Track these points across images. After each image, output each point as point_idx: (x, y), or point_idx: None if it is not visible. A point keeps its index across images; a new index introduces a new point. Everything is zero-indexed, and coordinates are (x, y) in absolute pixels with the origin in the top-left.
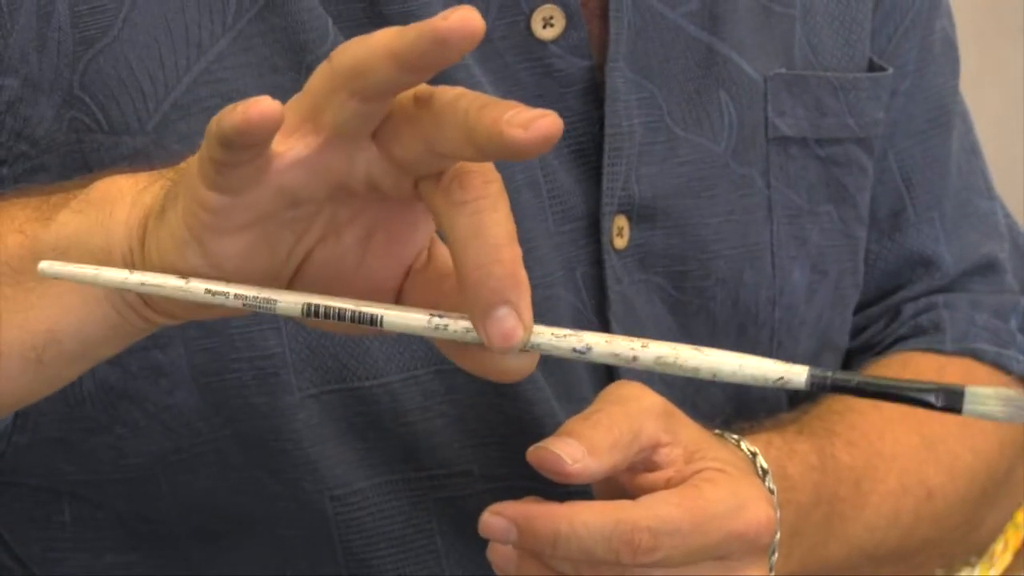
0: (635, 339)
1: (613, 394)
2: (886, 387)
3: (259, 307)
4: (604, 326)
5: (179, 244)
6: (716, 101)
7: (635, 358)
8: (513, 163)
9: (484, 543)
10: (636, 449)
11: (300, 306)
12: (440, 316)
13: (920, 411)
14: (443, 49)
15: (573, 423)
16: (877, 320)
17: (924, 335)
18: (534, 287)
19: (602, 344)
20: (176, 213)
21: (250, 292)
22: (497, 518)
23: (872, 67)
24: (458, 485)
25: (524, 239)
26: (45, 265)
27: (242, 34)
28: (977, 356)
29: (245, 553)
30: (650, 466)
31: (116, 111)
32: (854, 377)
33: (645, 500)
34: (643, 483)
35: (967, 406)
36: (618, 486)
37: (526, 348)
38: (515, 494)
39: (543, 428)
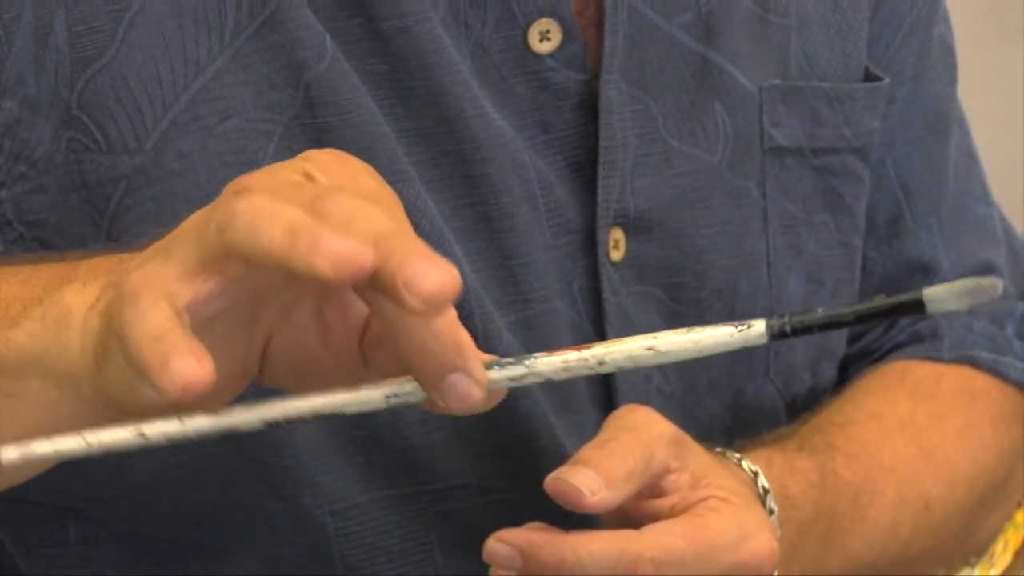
0: (583, 348)
1: (625, 420)
2: (847, 315)
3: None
4: (601, 338)
5: (129, 384)
6: (711, 112)
7: (600, 364)
8: (511, 177)
9: (481, 556)
10: (648, 476)
11: (261, 423)
12: (395, 392)
13: (918, 421)
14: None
15: (588, 451)
16: (874, 326)
17: (922, 342)
18: (532, 301)
19: (556, 363)
20: (117, 354)
21: (206, 424)
22: (502, 545)
23: (868, 77)
24: (456, 498)
25: (522, 253)
26: (5, 455)
27: (240, 51)
28: (975, 364)
29: (246, 571)
30: (657, 492)
31: (114, 130)
32: (814, 315)
33: (649, 530)
34: (648, 509)
35: (929, 310)
36: (622, 511)
37: (514, 381)
38: (512, 507)
39: (540, 440)
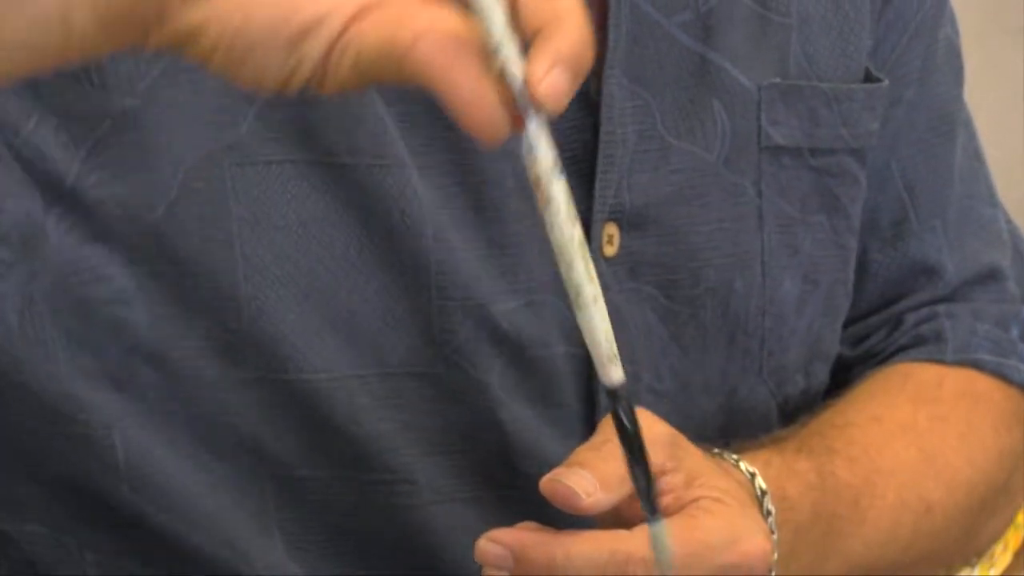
0: (578, 227)
1: None
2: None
3: None
4: None
5: None
6: (709, 110)
7: (573, 237)
8: (502, 166)
9: (426, 546)
10: None
11: None
12: (512, 34)
13: (919, 424)
14: None
15: (584, 453)
16: (878, 329)
17: (925, 345)
18: (524, 292)
19: (564, 204)
20: None
21: None
22: (493, 545)
23: (868, 78)
24: (403, 493)
25: (514, 243)
26: None
27: None
28: (978, 367)
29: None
30: None
31: (110, 66)
32: (628, 424)
33: (640, 530)
34: (640, 509)
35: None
36: (615, 511)
37: (529, 143)
38: (462, 506)
39: (500, 433)
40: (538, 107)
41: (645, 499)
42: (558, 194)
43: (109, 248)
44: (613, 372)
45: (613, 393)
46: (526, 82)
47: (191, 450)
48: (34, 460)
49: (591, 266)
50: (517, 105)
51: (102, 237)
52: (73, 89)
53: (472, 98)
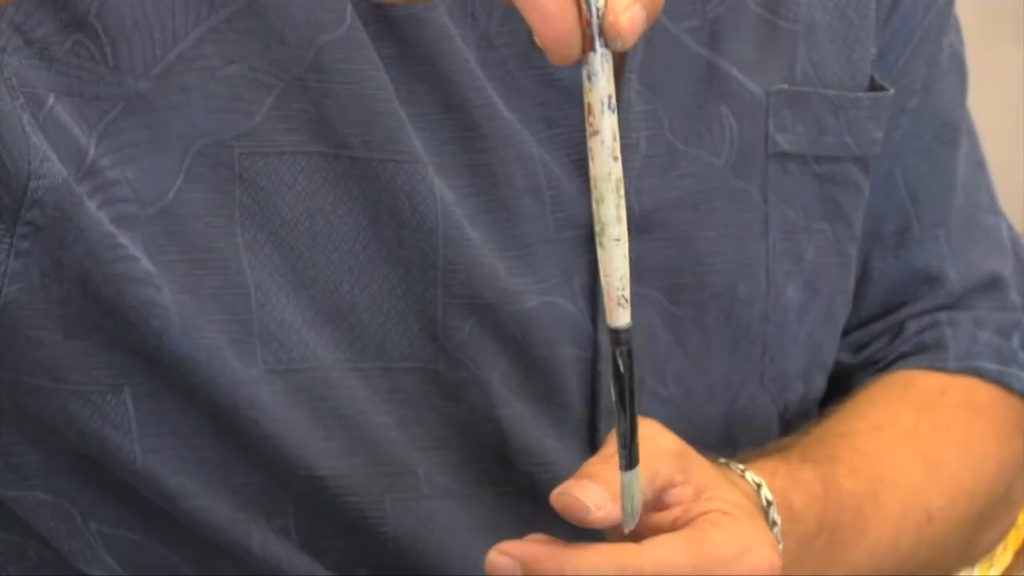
0: (618, 167)
1: None
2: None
3: None
4: (596, 335)
5: None
6: (717, 115)
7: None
8: (513, 167)
9: (429, 543)
10: (652, 491)
11: None
12: None
13: (922, 433)
14: None
15: (594, 465)
16: (880, 336)
17: (927, 352)
18: (535, 293)
19: (610, 139)
20: None
21: None
22: (503, 557)
23: (873, 86)
24: (405, 486)
25: (523, 244)
26: None
27: (257, 2)
28: (980, 374)
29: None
30: (659, 505)
31: (125, 50)
32: (624, 369)
33: (649, 544)
34: (649, 522)
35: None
36: None
37: (592, 70)
38: (463, 502)
39: (498, 431)
40: (612, 38)
41: (624, 448)
42: (606, 127)
43: (131, 231)
44: (620, 315)
45: (616, 334)
46: (607, 9)
47: (206, 445)
48: (37, 420)
49: (622, 208)
50: (588, 31)
51: (122, 219)
52: (87, 69)
53: (555, 11)
